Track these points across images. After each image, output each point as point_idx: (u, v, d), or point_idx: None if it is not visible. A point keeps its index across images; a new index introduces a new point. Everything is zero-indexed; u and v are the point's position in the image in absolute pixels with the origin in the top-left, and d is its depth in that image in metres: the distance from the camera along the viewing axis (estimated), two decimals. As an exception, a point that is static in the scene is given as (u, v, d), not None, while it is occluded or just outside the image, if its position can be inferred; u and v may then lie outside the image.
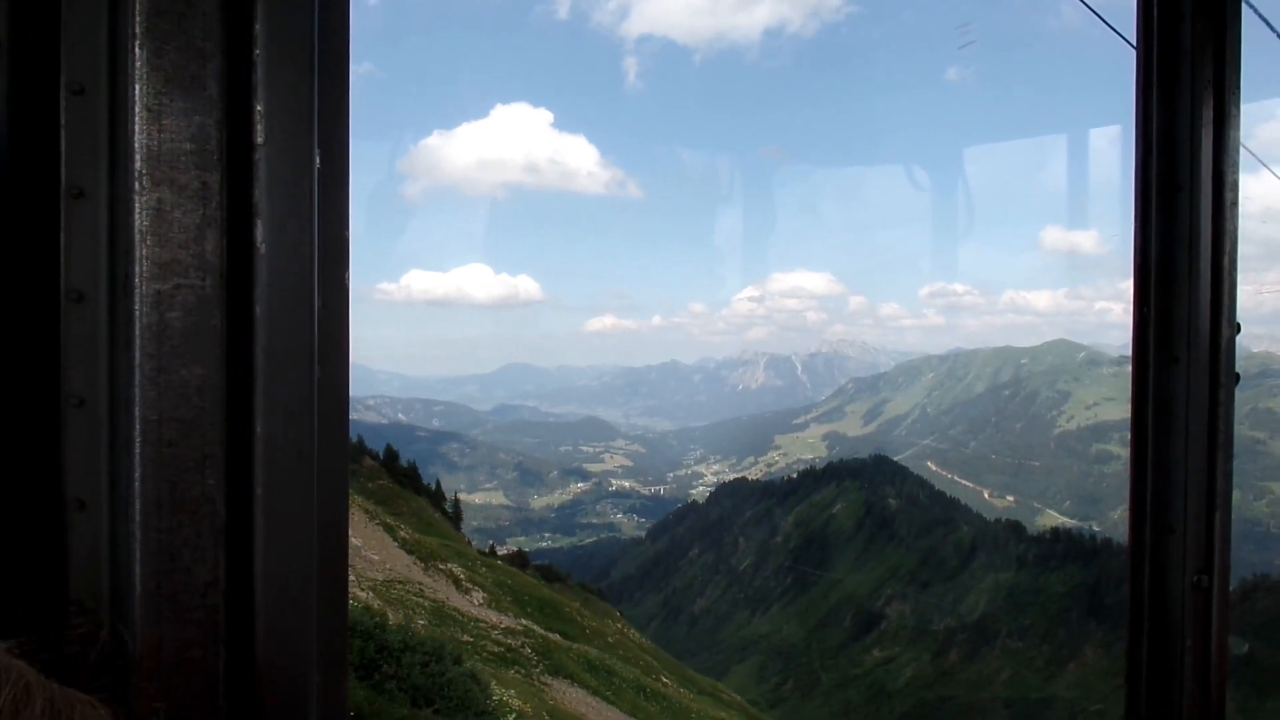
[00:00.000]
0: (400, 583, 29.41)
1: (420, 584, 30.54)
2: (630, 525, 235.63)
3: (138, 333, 1.14)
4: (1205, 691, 2.08)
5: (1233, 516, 2.04)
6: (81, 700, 0.96)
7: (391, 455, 51.45)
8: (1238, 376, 2.11)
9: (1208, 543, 2.07)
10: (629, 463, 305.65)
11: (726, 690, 55.96)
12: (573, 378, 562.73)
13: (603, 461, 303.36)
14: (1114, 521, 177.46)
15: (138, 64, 1.13)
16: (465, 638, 27.08)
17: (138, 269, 1.14)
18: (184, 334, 1.15)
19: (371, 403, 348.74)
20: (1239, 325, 2.12)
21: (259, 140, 1.19)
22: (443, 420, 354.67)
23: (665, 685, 34.30)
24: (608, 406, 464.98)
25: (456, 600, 30.89)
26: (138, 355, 1.14)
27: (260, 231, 1.19)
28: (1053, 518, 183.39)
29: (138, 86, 1.13)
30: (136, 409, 1.14)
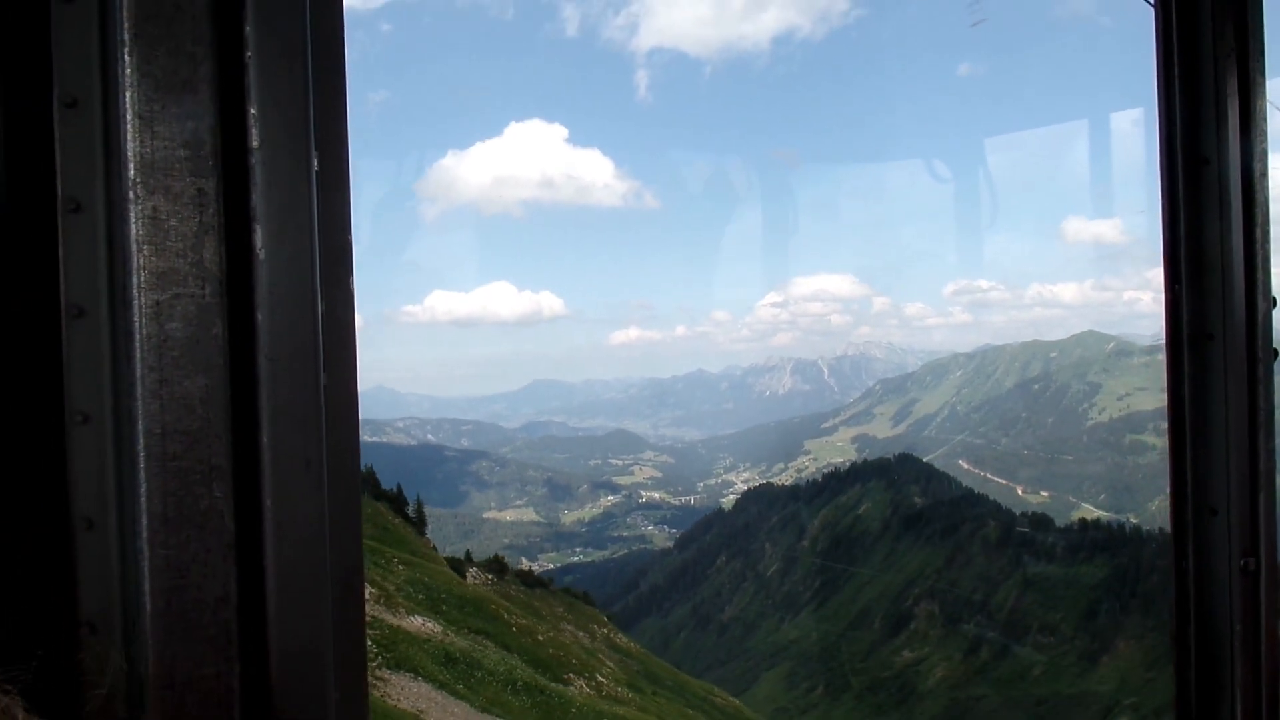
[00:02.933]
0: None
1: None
2: (661, 537, 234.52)
3: (138, 345, 1.12)
4: (1257, 679, 2.00)
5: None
6: None
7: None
8: (1276, 352, 2.03)
9: (1253, 524, 1.99)
10: (658, 474, 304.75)
11: (722, 694, 55.56)
12: (599, 391, 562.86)
13: (632, 474, 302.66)
14: (1151, 513, 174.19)
15: (127, 71, 1.12)
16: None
17: (135, 280, 1.12)
18: (185, 344, 1.14)
19: (400, 424, 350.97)
20: (1275, 299, 2.02)
21: (254, 144, 1.17)
22: (471, 439, 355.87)
23: (593, 684, 33.69)
24: (635, 418, 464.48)
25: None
26: (139, 368, 1.12)
27: (259, 237, 1.18)
28: (1088, 511, 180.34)
29: (128, 94, 1.12)
30: (140, 423, 1.12)
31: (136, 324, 1.13)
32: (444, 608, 33.10)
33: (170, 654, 1.12)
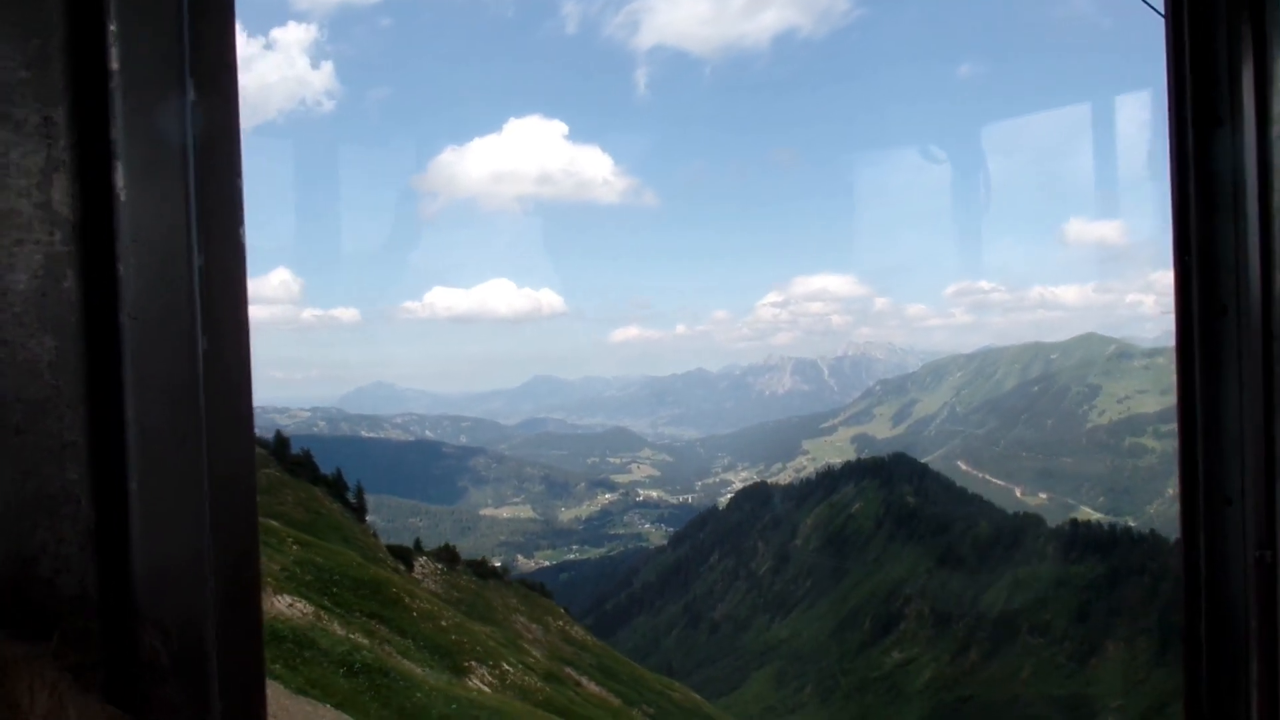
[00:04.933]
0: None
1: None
2: (658, 535, 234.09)
3: None
4: (1274, 679, 1.86)
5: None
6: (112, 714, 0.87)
7: (282, 442, 50.62)
8: None
9: (1269, 515, 1.83)
10: (656, 472, 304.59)
11: (682, 689, 55.15)
12: (599, 389, 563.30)
13: (630, 472, 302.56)
14: (1149, 515, 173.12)
15: None
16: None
17: None
18: (29, 299, 0.97)
19: (399, 420, 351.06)
20: None
21: (114, 66, 0.99)
22: (470, 436, 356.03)
23: (496, 673, 32.68)
24: (634, 417, 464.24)
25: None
26: None
27: (120, 175, 1.00)
28: (1087, 514, 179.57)
29: None
30: None
31: None
32: (334, 590, 32.03)
33: (16, 660, 0.92)
